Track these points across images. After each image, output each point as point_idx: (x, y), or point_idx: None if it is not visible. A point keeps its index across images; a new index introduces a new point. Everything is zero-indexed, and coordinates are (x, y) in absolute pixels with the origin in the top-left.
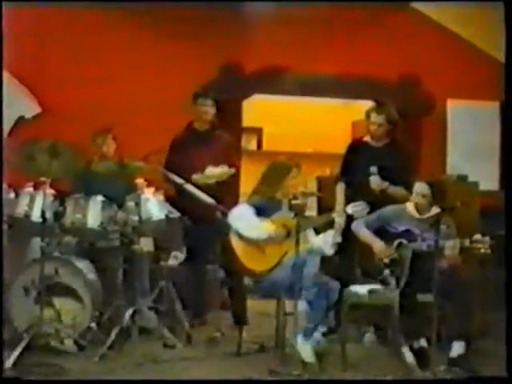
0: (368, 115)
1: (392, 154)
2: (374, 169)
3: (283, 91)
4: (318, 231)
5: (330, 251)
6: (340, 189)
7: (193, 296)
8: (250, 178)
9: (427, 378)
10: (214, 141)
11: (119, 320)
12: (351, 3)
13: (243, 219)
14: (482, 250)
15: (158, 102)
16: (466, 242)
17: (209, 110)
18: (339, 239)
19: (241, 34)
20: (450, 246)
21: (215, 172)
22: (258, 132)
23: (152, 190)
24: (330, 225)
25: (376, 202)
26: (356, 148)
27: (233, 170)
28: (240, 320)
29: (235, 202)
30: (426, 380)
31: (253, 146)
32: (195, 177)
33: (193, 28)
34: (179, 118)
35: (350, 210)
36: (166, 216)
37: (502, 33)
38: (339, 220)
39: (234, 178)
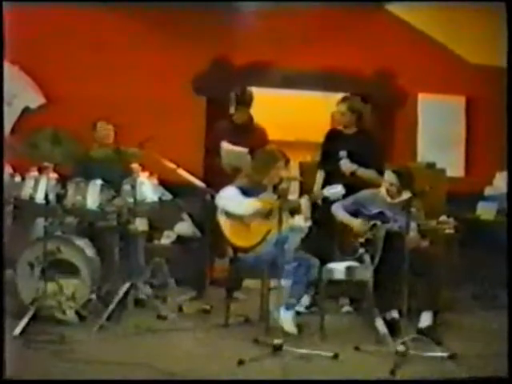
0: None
1: (361, 140)
2: (343, 153)
3: (269, 84)
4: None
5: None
6: (319, 175)
7: (183, 271)
8: None
9: (427, 378)
10: (250, 133)
11: (116, 293)
12: (333, 4)
13: (230, 198)
14: (447, 231)
15: (152, 93)
16: (433, 223)
17: (246, 110)
18: (308, 221)
19: (230, 31)
20: (411, 228)
21: (233, 149)
22: None
23: (146, 174)
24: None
25: (350, 184)
26: (331, 136)
27: (246, 150)
28: (231, 293)
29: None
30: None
31: None
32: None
33: (185, 24)
34: (171, 108)
35: (326, 192)
36: (160, 198)
37: (471, 32)
38: (305, 203)
39: None
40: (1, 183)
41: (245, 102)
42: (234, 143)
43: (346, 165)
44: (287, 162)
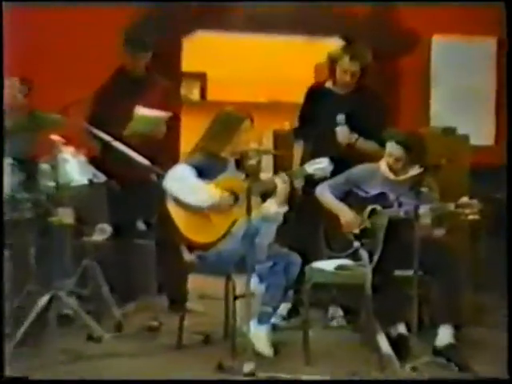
0: (334, 59)
1: (360, 102)
2: (341, 117)
3: (231, 27)
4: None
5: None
6: (297, 145)
7: (123, 277)
8: (191, 133)
9: (416, 378)
10: (150, 88)
11: (32, 308)
12: None
13: (181, 182)
14: (470, 216)
15: (81, 43)
16: (451, 206)
17: (143, 55)
18: (285, 208)
19: None
20: (421, 214)
21: (147, 113)
22: (201, 78)
23: (71, 149)
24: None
25: (342, 159)
26: (316, 95)
27: (169, 114)
28: (177, 304)
29: (174, 163)
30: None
31: (195, 95)
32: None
33: None
34: (107, 63)
35: (310, 168)
36: (90, 181)
37: None
38: (282, 185)
39: (173, 134)
40: (0, 182)
41: (140, 47)
42: (128, 102)
43: (345, 133)
44: (252, 121)
